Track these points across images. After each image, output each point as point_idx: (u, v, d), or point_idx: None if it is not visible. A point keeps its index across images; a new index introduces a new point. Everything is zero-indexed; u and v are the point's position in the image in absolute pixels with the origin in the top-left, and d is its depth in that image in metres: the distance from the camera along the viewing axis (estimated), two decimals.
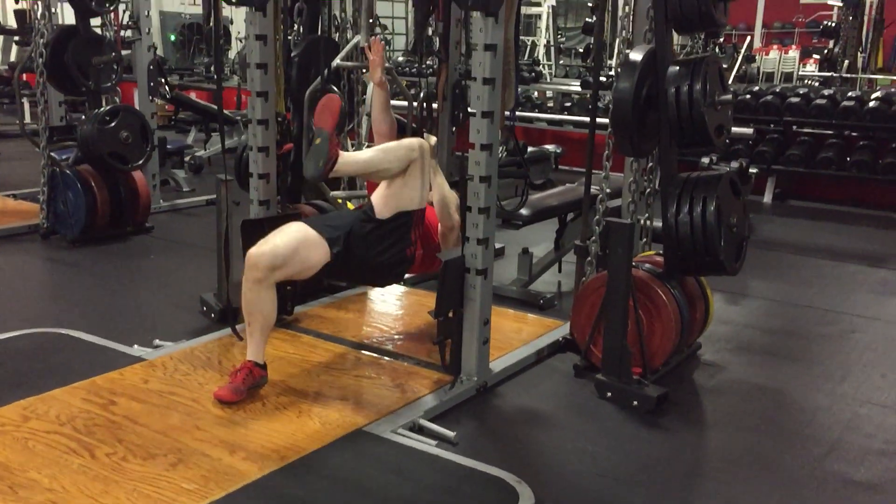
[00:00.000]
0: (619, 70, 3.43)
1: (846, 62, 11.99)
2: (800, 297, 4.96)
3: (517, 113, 6.02)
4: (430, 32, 14.52)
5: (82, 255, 5.33)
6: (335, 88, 3.91)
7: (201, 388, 3.23)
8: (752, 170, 7.00)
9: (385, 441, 2.87)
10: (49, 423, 2.89)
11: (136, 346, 3.65)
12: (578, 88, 9.86)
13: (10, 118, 11.60)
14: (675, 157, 3.56)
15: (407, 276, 3.99)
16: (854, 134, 7.76)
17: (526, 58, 13.10)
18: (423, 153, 3.24)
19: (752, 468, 2.89)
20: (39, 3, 5.54)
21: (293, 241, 3.17)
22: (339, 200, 4.53)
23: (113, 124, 5.43)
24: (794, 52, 17.02)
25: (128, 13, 6.40)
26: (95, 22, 5.91)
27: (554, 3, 14.31)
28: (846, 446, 3.04)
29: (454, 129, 4.88)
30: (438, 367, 3.46)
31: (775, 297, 4.93)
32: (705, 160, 6.73)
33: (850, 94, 7.82)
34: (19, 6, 10.14)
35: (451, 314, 3.31)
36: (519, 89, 4.44)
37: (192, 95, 9.82)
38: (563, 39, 15.70)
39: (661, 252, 3.79)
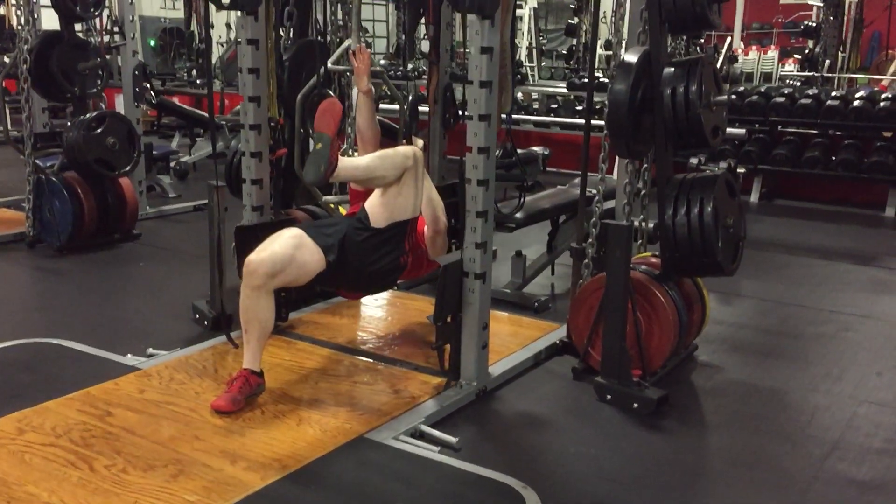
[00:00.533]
0: (614, 72, 3.42)
1: (827, 62, 12.10)
2: (792, 297, 4.98)
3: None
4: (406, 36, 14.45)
5: (70, 264, 5.27)
6: (330, 93, 3.88)
7: (198, 397, 3.19)
8: (740, 170, 7.02)
9: (387, 448, 2.85)
10: (45, 435, 2.84)
11: (129, 355, 3.60)
12: (564, 90, 9.86)
13: None
14: (671, 159, 3.56)
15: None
16: (839, 133, 7.82)
17: None
18: (417, 161, 3.22)
19: (754, 469, 2.88)
20: (22, 8, 5.48)
21: (290, 248, 3.14)
22: (332, 206, 4.49)
23: (99, 130, 5.38)
24: (773, 53, 17.15)
25: (111, 18, 6.33)
26: (78, 27, 5.85)
27: (535, 6, 14.34)
28: (847, 446, 3.05)
29: (445, 132, 4.89)
30: (437, 372, 3.45)
31: (768, 297, 4.95)
32: (693, 161, 6.74)
33: (834, 93, 7.87)
34: None
35: (449, 319, 3.29)
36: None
37: (175, 100, 9.75)
38: (545, 41, 15.72)
39: (656, 253, 3.80)
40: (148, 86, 6.50)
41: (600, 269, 3.81)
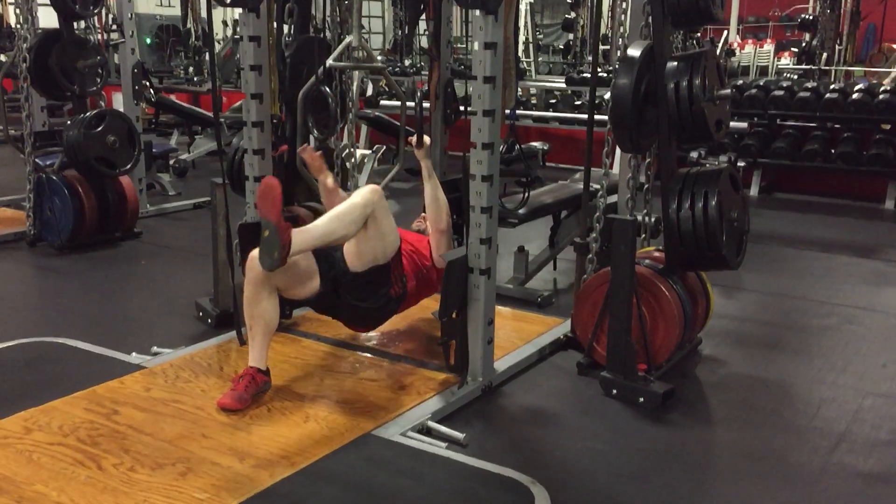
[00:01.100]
0: (617, 66, 3.41)
1: (824, 55, 12.10)
2: (794, 290, 4.98)
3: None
4: (406, 32, 14.42)
5: (71, 262, 5.26)
6: (328, 90, 3.86)
7: (204, 395, 3.18)
8: (740, 163, 7.04)
9: (394, 444, 2.85)
10: (52, 434, 2.83)
11: (134, 353, 3.59)
12: (562, 85, 9.85)
13: None
14: (675, 153, 3.55)
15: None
16: (838, 126, 7.82)
17: None
18: (377, 201, 3.12)
19: (762, 463, 2.89)
20: (20, 7, 5.45)
21: (301, 256, 3.18)
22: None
23: (100, 129, 5.36)
24: (769, 46, 17.16)
25: (110, 16, 6.31)
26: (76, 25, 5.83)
27: (532, 1, 14.32)
28: (854, 438, 3.06)
29: (446, 128, 4.88)
30: (441, 368, 3.45)
31: (770, 290, 4.96)
32: (693, 155, 6.76)
33: (833, 86, 7.87)
34: None
35: (454, 314, 3.29)
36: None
37: (172, 98, 9.73)
38: (542, 36, 15.71)
39: (660, 248, 3.80)
40: (147, 83, 6.47)
41: (604, 264, 3.82)
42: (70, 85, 5.49)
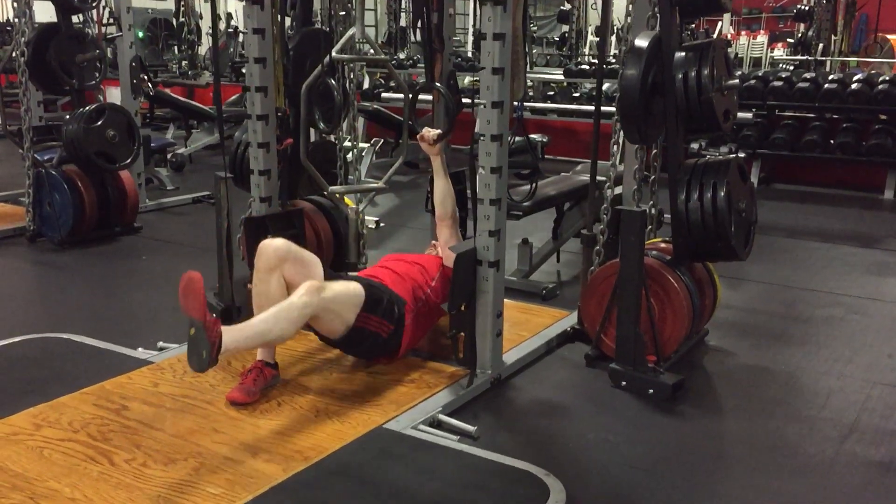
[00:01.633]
0: (625, 57, 3.40)
1: (820, 45, 12.10)
2: (797, 280, 4.99)
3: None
4: (402, 24, 14.25)
5: (72, 258, 5.23)
6: (333, 83, 3.84)
7: (213, 389, 3.17)
8: (740, 154, 7.04)
9: (406, 438, 2.84)
10: (62, 430, 2.81)
11: (140, 349, 3.57)
12: (559, 77, 9.83)
13: None
14: (682, 144, 3.54)
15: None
16: (837, 116, 7.83)
17: None
18: (316, 303, 2.98)
19: (773, 453, 2.89)
20: (17, 1, 5.40)
21: (310, 256, 3.22)
22: (338, 196, 4.47)
23: (99, 123, 5.33)
24: (762, 38, 17.16)
25: (107, 9, 6.26)
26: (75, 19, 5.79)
27: None
28: (864, 428, 3.06)
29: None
30: (449, 361, 3.44)
31: (773, 281, 4.96)
32: (694, 146, 6.75)
33: (832, 76, 7.87)
34: None
35: (463, 307, 3.28)
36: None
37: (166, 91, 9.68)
38: (535, 28, 15.68)
39: (666, 239, 3.80)
40: (145, 77, 6.43)
41: (611, 256, 3.81)
42: (69, 79, 5.45)
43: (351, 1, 4.54)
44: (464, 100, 3.87)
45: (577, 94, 9.25)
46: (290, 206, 4.20)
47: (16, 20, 5.38)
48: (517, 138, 4.36)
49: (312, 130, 4.94)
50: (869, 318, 4.29)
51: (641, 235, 3.31)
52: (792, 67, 11.61)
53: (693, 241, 3.42)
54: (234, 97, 9.41)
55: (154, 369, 3.34)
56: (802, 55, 12.44)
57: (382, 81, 10.24)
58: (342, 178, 4.64)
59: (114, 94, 7.86)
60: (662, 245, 3.77)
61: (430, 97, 4.64)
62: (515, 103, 3.33)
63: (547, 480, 2.57)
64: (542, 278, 4.83)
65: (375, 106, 8.50)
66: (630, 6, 3.67)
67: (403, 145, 4.56)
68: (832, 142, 7.61)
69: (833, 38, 12.39)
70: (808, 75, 7.96)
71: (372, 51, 4.12)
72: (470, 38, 14.01)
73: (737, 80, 3.41)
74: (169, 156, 8.05)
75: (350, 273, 3.84)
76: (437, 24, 4.46)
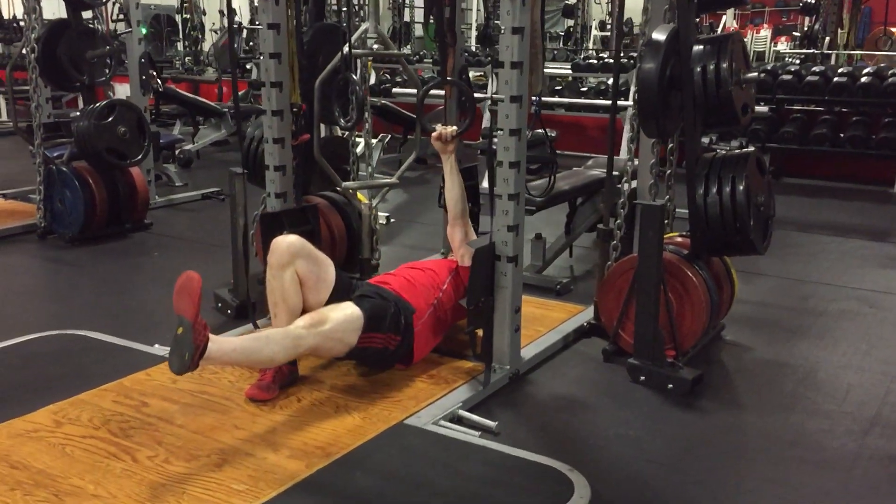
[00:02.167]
0: (642, 50, 3.38)
1: (827, 39, 12.06)
2: (810, 274, 4.97)
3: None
4: (406, 19, 14.19)
5: (83, 255, 5.22)
6: (354, 77, 3.82)
7: (232, 386, 3.16)
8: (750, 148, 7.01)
9: (427, 433, 2.83)
10: (83, 427, 2.81)
11: (156, 345, 3.56)
12: (566, 72, 9.80)
13: None
14: (700, 138, 3.53)
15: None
16: (846, 110, 7.81)
17: None
18: (311, 339, 2.92)
19: (795, 448, 2.88)
20: None
21: (323, 256, 3.21)
22: (351, 191, 4.45)
23: (110, 119, 5.32)
24: (765, 32, 17.10)
25: (117, 5, 6.25)
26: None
27: None
28: (885, 422, 3.05)
29: (461, 115, 4.84)
30: (467, 356, 3.43)
31: (787, 275, 4.94)
32: (704, 140, 6.72)
33: (841, 70, 7.85)
34: None
35: (481, 303, 3.27)
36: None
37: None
38: None
39: (682, 233, 3.78)
40: (154, 73, 6.42)
41: (627, 251, 3.80)
42: (79, 75, 5.44)
43: None
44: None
45: (584, 89, 9.23)
46: (304, 201, 4.19)
47: (25, 17, 5.36)
48: (535, 131, 4.34)
49: (323, 126, 4.93)
50: (885, 312, 4.28)
51: (660, 230, 3.30)
52: (798, 61, 11.59)
53: (711, 236, 3.41)
54: (240, 93, 9.39)
55: None
56: (808, 49, 12.39)
57: (388, 77, 10.21)
58: (354, 174, 4.63)
59: (123, 91, 7.86)
60: (679, 239, 3.76)
61: (440, 92, 4.65)
62: (534, 98, 3.31)
63: (571, 476, 2.56)
64: (555, 273, 4.82)
65: (383, 101, 8.49)
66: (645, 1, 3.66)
67: (416, 141, 4.56)
68: (842, 135, 7.59)
69: (839, 31, 12.36)
70: (817, 69, 7.94)
71: (377, 46, 4.07)
72: (474, 34, 13.97)
73: (756, 74, 3.39)
74: (177, 152, 8.04)
75: (355, 277, 3.75)
76: (450, 19, 4.46)
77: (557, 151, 8.60)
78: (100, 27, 5.76)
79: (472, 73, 9.38)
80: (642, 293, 3.36)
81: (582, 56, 10.33)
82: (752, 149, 3.49)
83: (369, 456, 2.67)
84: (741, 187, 3.30)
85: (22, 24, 5.52)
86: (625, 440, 2.93)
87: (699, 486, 2.64)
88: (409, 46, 13.47)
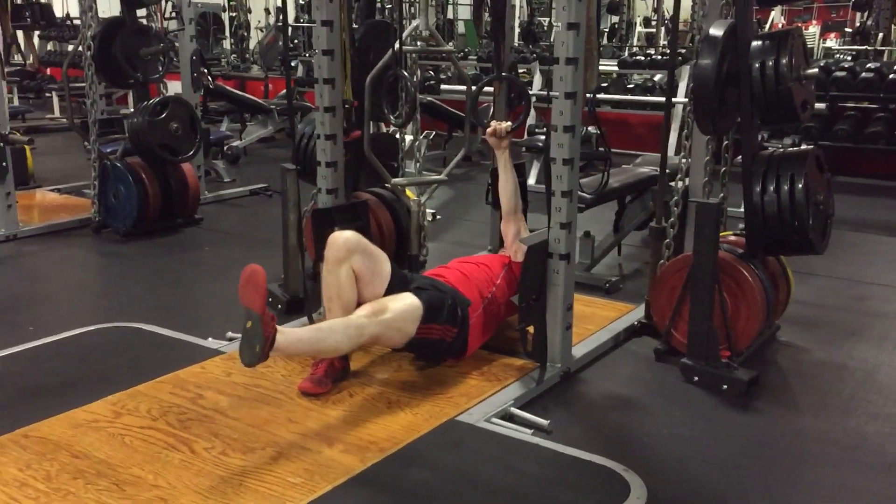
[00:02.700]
0: (699, 46, 3.34)
1: (880, 35, 11.80)
2: (866, 275, 4.87)
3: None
4: (449, 16, 14.18)
5: (137, 249, 5.31)
6: (405, 73, 3.83)
7: (285, 380, 3.19)
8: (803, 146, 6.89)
9: (480, 431, 2.82)
10: (141, 418, 2.86)
11: (210, 339, 3.61)
12: (612, 68, 9.72)
13: (42, 112, 11.63)
14: (757, 135, 3.47)
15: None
16: None
17: (552, 40, 13.00)
18: (372, 328, 2.96)
19: (855, 451, 2.82)
20: None
21: (378, 251, 3.21)
22: (400, 188, 4.46)
23: (163, 116, 5.40)
24: (814, 28, 16.78)
25: (169, 4, 6.34)
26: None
27: None
28: None
29: (509, 112, 4.82)
30: (517, 354, 3.42)
31: (842, 276, 4.84)
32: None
33: None
34: None
35: (533, 300, 3.26)
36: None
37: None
38: None
39: (737, 231, 3.73)
40: (205, 71, 6.50)
41: (679, 249, 3.76)
42: (133, 72, 5.52)
43: None
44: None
45: (631, 86, 9.14)
46: (354, 198, 4.21)
47: (82, 15, 5.46)
48: (599, 128, 4.30)
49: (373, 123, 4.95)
50: None
51: (716, 229, 3.25)
52: (850, 57, 11.37)
53: (768, 234, 3.35)
54: (284, 91, 9.48)
55: (226, 359, 3.38)
56: (860, 45, 12.13)
57: (432, 74, 10.22)
58: (402, 171, 4.64)
59: (173, 88, 7.97)
60: (732, 238, 3.70)
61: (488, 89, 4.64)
62: (588, 95, 3.29)
63: (626, 476, 2.54)
64: (604, 272, 4.78)
65: (429, 98, 8.49)
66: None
67: (466, 137, 4.55)
68: None
69: (893, 26, 12.08)
70: (871, 65, 7.76)
71: (421, 43, 4.07)
72: (517, 31, 13.93)
73: (816, 70, 3.32)
74: (225, 148, 8.14)
75: (410, 272, 3.78)
76: (500, 15, 4.45)
77: (601, 149, 8.52)
78: (153, 25, 5.83)
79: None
80: (697, 292, 3.31)
81: (629, 52, 10.21)
82: (811, 146, 3.41)
83: (422, 452, 2.68)
84: (800, 185, 3.24)
85: (76, 22, 5.59)
86: (679, 441, 2.89)
87: (756, 488, 2.60)
88: (451, 43, 13.49)
